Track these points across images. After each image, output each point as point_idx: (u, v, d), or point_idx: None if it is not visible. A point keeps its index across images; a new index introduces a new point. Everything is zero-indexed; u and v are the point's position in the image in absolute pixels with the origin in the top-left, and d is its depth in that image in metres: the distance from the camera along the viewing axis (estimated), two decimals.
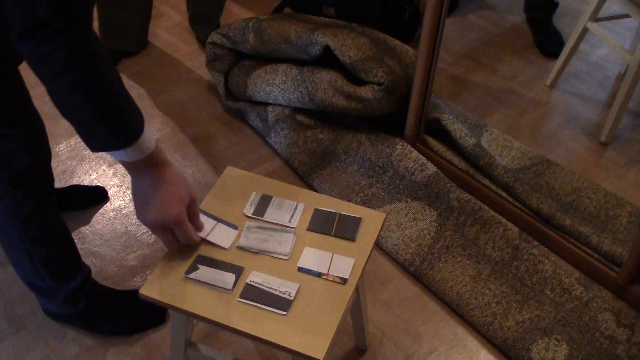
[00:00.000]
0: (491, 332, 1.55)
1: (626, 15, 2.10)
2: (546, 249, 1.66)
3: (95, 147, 0.99)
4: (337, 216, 1.22)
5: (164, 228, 1.08)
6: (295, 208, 1.23)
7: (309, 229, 1.20)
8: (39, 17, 0.85)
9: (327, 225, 1.20)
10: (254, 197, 1.25)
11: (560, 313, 1.56)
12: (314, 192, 1.27)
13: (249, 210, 1.23)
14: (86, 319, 1.52)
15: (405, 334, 1.57)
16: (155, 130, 2.11)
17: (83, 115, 0.95)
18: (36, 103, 2.16)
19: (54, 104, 0.95)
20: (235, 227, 1.19)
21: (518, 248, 1.66)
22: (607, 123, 2.07)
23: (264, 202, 1.24)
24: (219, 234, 1.18)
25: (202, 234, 1.16)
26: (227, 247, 1.16)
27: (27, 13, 0.85)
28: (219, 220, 1.20)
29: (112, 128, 0.96)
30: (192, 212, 1.12)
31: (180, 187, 1.07)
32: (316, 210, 1.23)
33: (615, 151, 2.06)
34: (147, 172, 1.04)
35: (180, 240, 1.12)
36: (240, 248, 1.16)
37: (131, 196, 1.08)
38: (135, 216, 1.83)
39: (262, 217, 1.21)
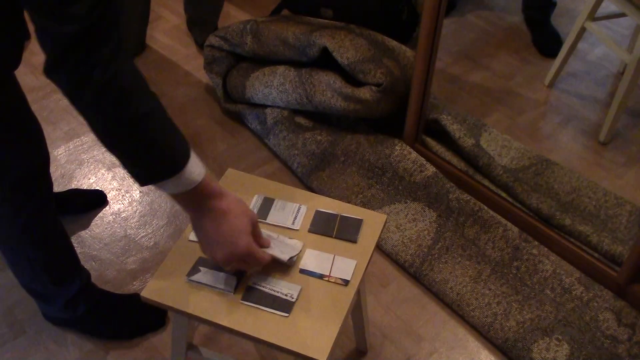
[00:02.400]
0: (492, 333, 1.55)
1: (623, 15, 2.10)
2: (546, 248, 1.66)
3: (141, 178, 0.95)
4: (339, 218, 1.22)
5: (234, 262, 1.03)
6: (298, 210, 1.23)
7: (310, 231, 1.19)
8: (68, 38, 0.83)
9: (328, 227, 1.20)
10: (256, 200, 1.25)
11: (560, 313, 1.55)
12: (315, 194, 1.27)
13: None
14: (86, 323, 1.52)
15: (405, 335, 1.57)
16: None
17: (123, 143, 0.91)
18: (34, 107, 2.16)
19: (96, 134, 0.92)
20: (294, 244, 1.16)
21: (518, 248, 1.66)
22: (605, 122, 2.07)
23: (266, 205, 1.24)
24: (279, 247, 1.14)
25: (268, 251, 1.10)
26: (286, 260, 1.11)
27: (64, 35, 0.83)
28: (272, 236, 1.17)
29: (159, 158, 0.93)
30: (256, 234, 1.07)
31: (242, 216, 1.02)
32: (317, 212, 1.23)
33: (614, 150, 2.06)
34: (203, 206, 0.99)
35: (253, 267, 1.08)
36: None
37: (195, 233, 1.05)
38: (134, 219, 1.82)
39: (265, 219, 1.21)
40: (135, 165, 0.94)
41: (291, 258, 1.12)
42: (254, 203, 1.24)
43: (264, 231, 1.15)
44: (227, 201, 1.01)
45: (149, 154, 0.92)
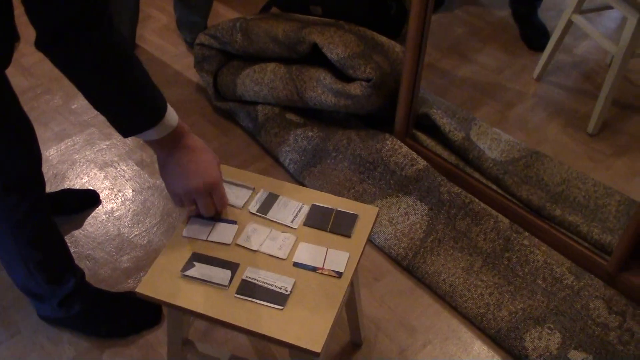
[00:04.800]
0: (485, 323, 1.56)
1: (610, 7, 2.12)
2: (537, 239, 1.68)
3: (128, 131, 1.04)
4: (334, 212, 1.23)
5: (205, 192, 1.13)
6: (300, 209, 1.23)
7: (305, 224, 1.20)
8: (69, 14, 0.89)
9: (323, 221, 1.21)
10: (261, 194, 1.26)
11: (552, 302, 1.57)
12: (314, 190, 1.27)
13: (253, 207, 1.23)
14: (81, 322, 1.52)
15: (400, 328, 1.58)
16: None
17: (118, 104, 1.01)
18: (25, 108, 2.16)
19: (87, 97, 1.00)
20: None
21: (509, 239, 1.68)
22: (594, 114, 2.09)
23: (270, 200, 1.25)
24: (234, 193, 1.26)
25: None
26: (241, 206, 1.23)
27: (57, 13, 0.88)
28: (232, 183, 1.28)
29: (144, 110, 1.03)
30: (218, 195, 1.18)
31: (210, 152, 1.14)
32: (313, 206, 1.24)
33: (602, 141, 2.09)
34: (178, 144, 1.10)
35: (216, 204, 1.17)
36: (239, 245, 1.17)
37: (161, 175, 1.15)
38: (127, 218, 1.83)
39: (266, 215, 1.22)
40: (125, 120, 1.04)
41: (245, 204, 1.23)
42: (258, 197, 1.25)
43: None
44: (195, 139, 1.13)
45: (139, 108, 1.02)
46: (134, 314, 1.56)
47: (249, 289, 1.09)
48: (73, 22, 0.90)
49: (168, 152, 1.11)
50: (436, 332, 1.57)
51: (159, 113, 1.05)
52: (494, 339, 1.56)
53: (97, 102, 1.01)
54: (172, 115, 1.08)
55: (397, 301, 1.64)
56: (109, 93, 0.99)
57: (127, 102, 1.01)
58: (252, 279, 1.11)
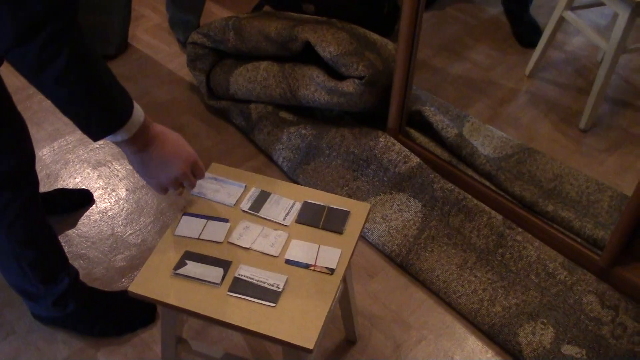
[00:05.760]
0: (479, 319, 1.57)
1: (601, 4, 2.13)
2: (530, 235, 1.69)
3: (97, 135, 1.01)
4: (326, 209, 1.23)
5: (189, 172, 1.14)
6: (292, 207, 1.24)
7: (297, 222, 1.21)
8: (34, 19, 0.85)
9: (315, 218, 1.21)
10: (253, 192, 1.26)
11: (545, 297, 1.58)
12: (308, 188, 1.28)
13: (245, 205, 1.23)
14: (76, 321, 1.52)
15: (394, 324, 1.59)
16: None
17: (85, 110, 0.98)
18: (18, 108, 2.15)
19: (54, 103, 0.97)
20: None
21: (502, 235, 1.69)
22: (585, 110, 2.10)
23: (262, 198, 1.25)
24: (226, 191, 1.27)
25: (216, 195, 1.26)
26: (232, 205, 1.24)
27: (21, 16, 0.85)
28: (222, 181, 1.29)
29: (112, 113, 1.00)
30: (198, 168, 1.17)
31: (174, 133, 1.13)
32: (305, 203, 1.24)
33: (594, 137, 2.09)
34: (147, 138, 1.07)
35: (197, 176, 1.18)
36: (231, 243, 1.17)
37: (139, 173, 1.13)
38: (121, 217, 1.83)
39: (258, 212, 1.22)
40: (93, 123, 1.00)
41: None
42: (250, 195, 1.25)
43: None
44: (155, 125, 1.10)
45: (107, 109, 0.99)
46: (128, 313, 1.56)
47: (241, 287, 1.10)
48: (45, 22, 0.86)
49: (141, 148, 1.08)
50: (430, 328, 1.58)
51: (128, 111, 1.02)
52: (487, 334, 1.56)
53: (63, 107, 0.98)
54: (138, 111, 1.05)
55: (391, 298, 1.64)
56: (73, 97, 0.96)
57: (94, 105, 0.98)
58: (244, 276, 1.11)
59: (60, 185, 1.92)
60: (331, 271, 1.12)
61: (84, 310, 1.51)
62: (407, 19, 1.67)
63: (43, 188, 1.90)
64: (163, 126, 1.13)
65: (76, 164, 1.99)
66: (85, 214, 1.84)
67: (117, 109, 1.01)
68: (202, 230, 1.19)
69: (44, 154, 2.02)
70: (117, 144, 1.05)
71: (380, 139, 1.89)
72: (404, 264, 1.70)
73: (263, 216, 1.22)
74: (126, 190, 1.91)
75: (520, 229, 1.69)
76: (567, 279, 1.59)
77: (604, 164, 2.01)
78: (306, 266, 1.13)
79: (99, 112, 0.99)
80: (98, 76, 0.97)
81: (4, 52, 0.89)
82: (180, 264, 1.13)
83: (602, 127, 2.13)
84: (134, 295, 1.10)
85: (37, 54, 0.88)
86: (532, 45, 2.40)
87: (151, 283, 1.11)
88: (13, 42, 0.87)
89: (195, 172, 1.16)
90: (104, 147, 2.05)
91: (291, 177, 1.94)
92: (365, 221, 1.23)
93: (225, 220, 1.20)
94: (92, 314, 1.53)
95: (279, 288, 1.09)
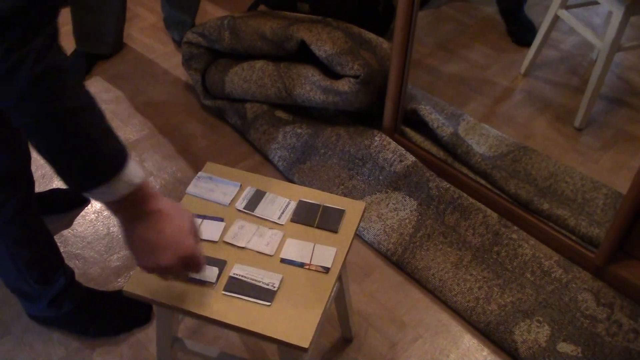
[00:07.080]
0: (474, 317, 1.57)
1: (595, 2, 2.13)
2: (525, 233, 1.69)
3: (78, 186, 0.85)
4: (321, 208, 1.23)
5: (179, 267, 0.95)
6: (287, 206, 1.24)
7: (292, 220, 1.21)
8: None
9: (310, 217, 1.21)
10: (248, 191, 1.26)
11: (541, 295, 1.58)
12: (302, 186, 1.28)
13: (240, 204, 1.23)
14: (71, 321, 1.52)
15: (390, 323, 1.59)
16: (134, 131, 2.11)
17: (54, 146, 0.82)
18: None
19: (26, 136, 0.82)
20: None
21: (498, 233, 1.69)
22: (580, 108, 2.10)
23: (257, 197, 1.25)
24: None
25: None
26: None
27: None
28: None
29: (96, 161, 0.84)
30: (196, 234, 1.00)
31: (183, 217, 0.95)
32: (300, 202, 1.24)
33: (589, 136, 2.10)
34: (142, 210, 0.91)
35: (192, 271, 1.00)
36: (226, 242, 1.17)
37: (125, 245, 0.95)
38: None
39: (253, 212, 1.22)
40: (69, 169, 0.84)
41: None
42: (245, 194, 1.25)
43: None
44: (164, 202, 0.94)
45: (83, 155, 0.83)
46: (124, 312, 1.56)
47: (236, 286, 1.10)
48: (11, 32, 0.73)
49: (130, 219, 0.91)
50: (426, 327, 1.58)
51: (115, 165, 0.85)
52: (483, 333, 1.57)
53: (35, 140, 0.82)
54: (134, 172, 0.87)
55: (387, 296, 1.65)
56: (45, 127, 0.79)
57: (69, 145, 0.81)
58: (239, 275, 1.11)
59: (55, 185, 1.92)
60: (326, 270, 1.13)
61: (79, 310, 1.51)
62: (402, 18, 1.67)
63: (38, 188, 1.90)
64: (175, 205, 0.95)
65: None
66: (81, 214, 1.84)
67: (102, 156, 0.84)
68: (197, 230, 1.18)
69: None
70: (106, 205, 0.89)
71: (376, 138, 1.89)
72: (399, 263, 1.70)
73: (258, 215, 1.22)
74: None
75: (515, 227, 1.70)
76: (562, 276, 1.60)
77: (599, 162, 2.01)
78: (301, 265, 1.13)
79: (73, 153, 0.82)
80: (73, 105, 0.80)
81: None
82: None
83: (597, 125, 2.13)
84: (129, 295, 1.10)
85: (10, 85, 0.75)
86: (527, 43, 2.40)
87: (146, 283, 1.11)
88: None
89: (190, 268, 0.97)
90: None
91: (287, 176, 1.94)
92: (361, 220, 1.23)
93: (220, 220, 1.20)
94: (88, 314, 1.53)
95: (274, 287, 1.10)
